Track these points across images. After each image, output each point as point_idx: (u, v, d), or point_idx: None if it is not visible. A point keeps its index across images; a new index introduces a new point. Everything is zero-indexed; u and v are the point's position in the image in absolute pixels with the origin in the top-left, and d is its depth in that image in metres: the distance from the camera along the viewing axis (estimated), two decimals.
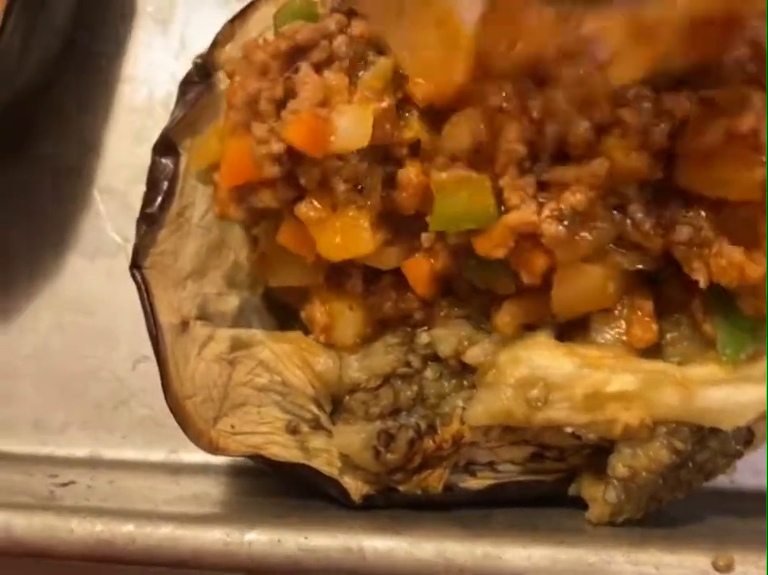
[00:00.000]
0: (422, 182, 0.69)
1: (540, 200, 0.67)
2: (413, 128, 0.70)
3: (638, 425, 0.71)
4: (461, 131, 0.68)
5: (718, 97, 0.65)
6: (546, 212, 0.66)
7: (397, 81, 0.70)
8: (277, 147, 0.68)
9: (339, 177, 0.69)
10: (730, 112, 0.64)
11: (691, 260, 0.68)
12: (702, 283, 0.68)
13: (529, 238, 0.67)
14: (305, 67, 0.70)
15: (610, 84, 0.66)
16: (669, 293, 0.74)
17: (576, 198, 0.66)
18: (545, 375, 0.72)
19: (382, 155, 0.70)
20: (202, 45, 0.84)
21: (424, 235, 0.71)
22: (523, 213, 0.66)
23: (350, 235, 0.70)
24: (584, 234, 0.67)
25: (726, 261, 0.66)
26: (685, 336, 0.74)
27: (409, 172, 0.70)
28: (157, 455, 0.91)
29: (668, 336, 0.74)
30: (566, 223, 0.65)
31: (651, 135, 0.66)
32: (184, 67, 0.84)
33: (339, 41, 0.71)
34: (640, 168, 0.67)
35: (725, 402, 0.71)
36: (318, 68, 0.70)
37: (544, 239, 0.66)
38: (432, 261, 0.72)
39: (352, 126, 0.67)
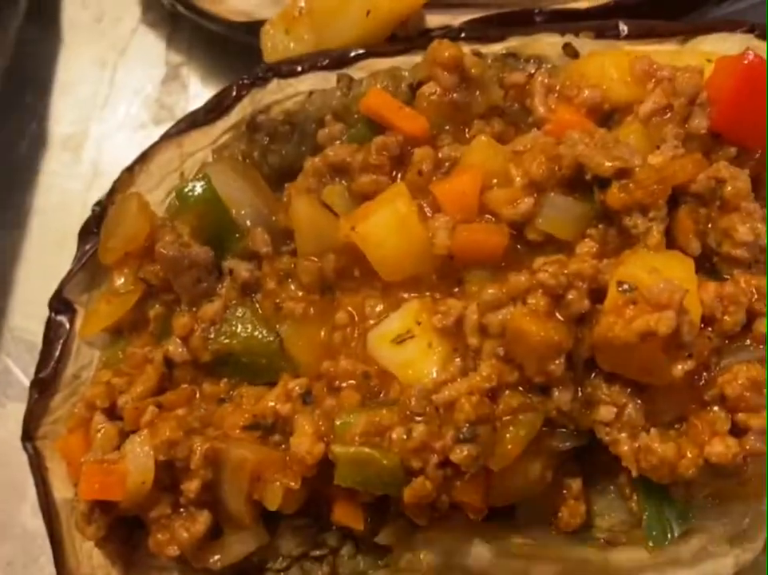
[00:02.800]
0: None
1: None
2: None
3: None
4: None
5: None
6: (448, 441, 0.62)
7: None
8: (83, 506, 0.67)
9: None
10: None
11: (618, 445, 0.63)
12: (634, 473, 0.63)
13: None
14: (98, 415, 0.69)
15: None
16: (597, 461, 0.69)
17: (463, 412, 0.61)
18: (462, 564, 0.66)
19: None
20: (116, 172, 0.80)
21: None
22: (420, 485, 0.62)
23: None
24: (510, 431, 0.62)
25: (657, 459, 0.61)
26: (613, 507, 0.69)
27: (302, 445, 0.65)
28: None
29: (596, 507, 0.69)
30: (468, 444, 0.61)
31: (564, 300, 0.62)
32: (97, 196, 0.80)
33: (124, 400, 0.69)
34: (556, 339, 0.61)
35: None
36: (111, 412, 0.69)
37: (463, 468, 0.61)
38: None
39: (138, 469, 0.65)
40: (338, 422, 0.64)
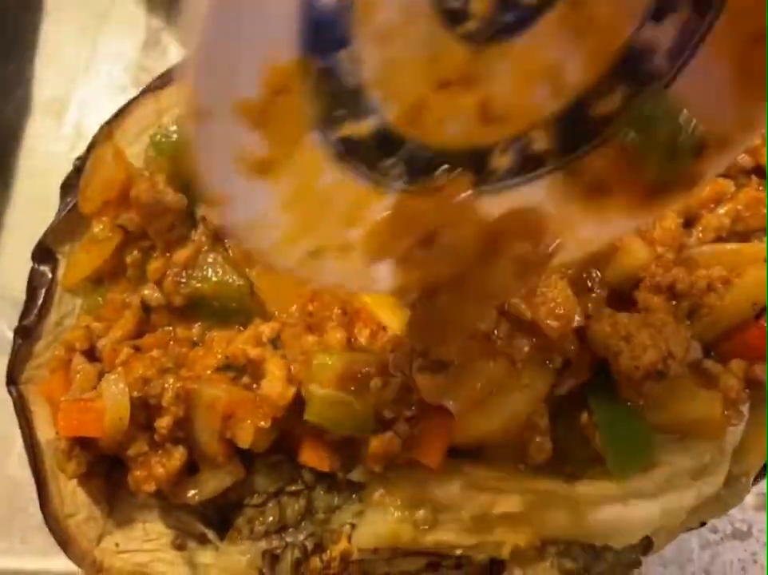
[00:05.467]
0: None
1: None
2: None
3: (525, 546, 0.68)
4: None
5: None
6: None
7: None
8: (63, 444, 0.69)
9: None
10: None
11: None
12: None
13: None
14: (77, 356, 0.71)
15: None
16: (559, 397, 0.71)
17: None
18: (432, 498, 0.69)
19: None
20: None
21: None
22: (390, 440, 0.65)
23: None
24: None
25: None
26: (577, 442, 0.71)
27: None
28: (57, 563, 0.88)
29: (560, 444, 0.71)
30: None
31: None
32: None
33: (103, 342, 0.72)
34: None
35: (615, 521, 0.68)
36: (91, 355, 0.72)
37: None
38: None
39: (114, 405, 0.66)
40: (315, 362, 0.66)
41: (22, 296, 0.90)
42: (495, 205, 0.51)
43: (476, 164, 0.50)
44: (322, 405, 0.65)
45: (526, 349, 0.65)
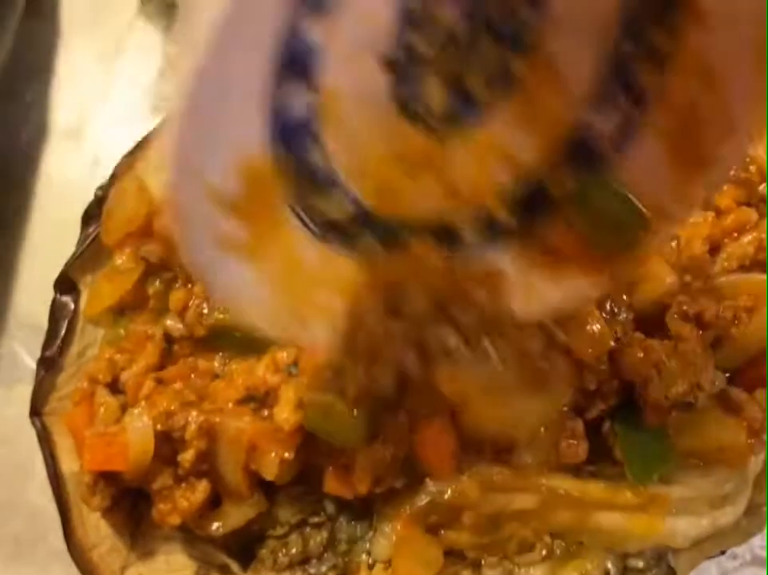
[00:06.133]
0: None
1: None
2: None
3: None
4: None
5: None
6: None
7: None
8: (87, 478, 0.69)
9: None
10: None
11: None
12: None
13: None
14: (100, 389, 0.71)
15: None
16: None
17: None
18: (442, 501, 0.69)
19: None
20: (116, 160, 0.82)
21: None
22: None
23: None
24: None
25: None
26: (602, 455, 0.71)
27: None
28: None
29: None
30: None
31: None
32: (97, 185, 0.82)
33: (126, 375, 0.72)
34: None
35: (615, 529, 0.70)
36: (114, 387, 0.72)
37: None
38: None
39: (138, 439, 0.67)
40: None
41: (42, 323, 0.90)
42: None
43: (446, 235, 0.57)
44: (310, 410, 0.66)
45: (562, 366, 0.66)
